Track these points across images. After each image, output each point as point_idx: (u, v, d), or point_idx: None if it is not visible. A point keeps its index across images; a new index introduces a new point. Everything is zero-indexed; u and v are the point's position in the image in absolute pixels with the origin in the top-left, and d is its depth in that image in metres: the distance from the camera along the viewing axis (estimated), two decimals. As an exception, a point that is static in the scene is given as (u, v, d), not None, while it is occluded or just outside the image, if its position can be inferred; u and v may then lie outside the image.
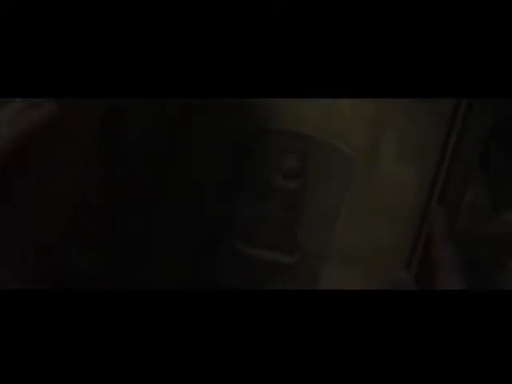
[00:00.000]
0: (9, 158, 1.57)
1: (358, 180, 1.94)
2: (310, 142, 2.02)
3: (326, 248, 1.94)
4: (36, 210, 1.72)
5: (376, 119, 1.95)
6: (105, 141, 1.92)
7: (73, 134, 1.77)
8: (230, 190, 2.10)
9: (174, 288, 1.87)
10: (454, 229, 1.84)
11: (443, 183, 1.87)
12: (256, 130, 2.08)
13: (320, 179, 1.99)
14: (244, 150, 2.09)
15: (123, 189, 2.08)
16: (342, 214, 1.94)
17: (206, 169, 2.08)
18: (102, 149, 1.93)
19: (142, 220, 2.08)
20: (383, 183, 1.92)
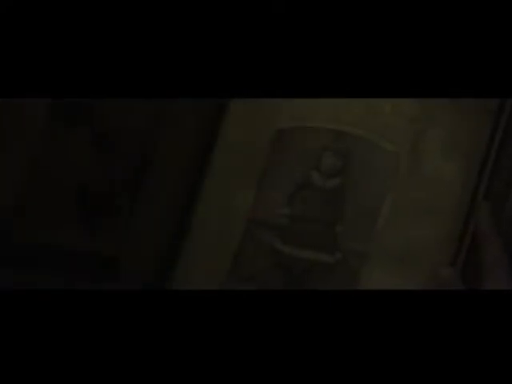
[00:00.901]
0: None
1: (401, 177, 1.90)
2: (349, 139, 1.98)
3: (367, 247, 1.90)
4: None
5: (418, 116, 1.90)
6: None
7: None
8: (268, 188, 2.08)
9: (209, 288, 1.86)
10: (500, 226, 1.77)
11: (488, 179, 1.80)
12: (293, 128, 2.06)
13: (361, 177, 1.95)
14: (282, 149, 2.07)
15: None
16: (383, 212, 1.90)
17: (243, 166, 2.07)
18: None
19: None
20: (426, 180, 1.87)
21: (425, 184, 1.87)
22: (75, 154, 2.15)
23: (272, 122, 2.07)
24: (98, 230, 2.37)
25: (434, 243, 1.86)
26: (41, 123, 2.00)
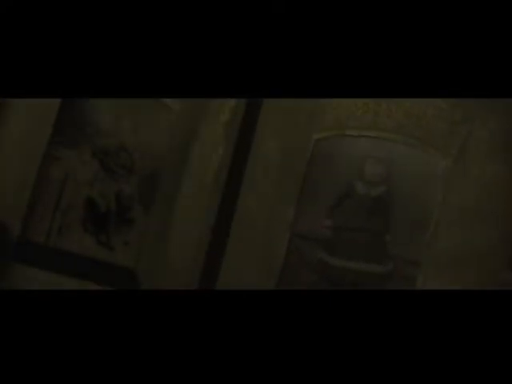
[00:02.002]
0: None
1: (449, 182, 1.88)
2: (390, 146, 1.96)
3: (419, 255, 1.87)
4: None
5: (462, 119, 1.89)
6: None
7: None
8: (308, 200, 2.04)
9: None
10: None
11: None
12: (331, 137, 2.03)
13: (406, 184, 1.93)
14: (321, 159, 2.04)
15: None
16: (433, 218, 1.88)
17: (281, 178, 2.03)
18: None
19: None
20: (475, 184, 1.86)
21: (474, 187, 1.86)
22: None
23: (308, 131, 2.03)
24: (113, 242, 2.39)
25: (487, 246, 1.84)
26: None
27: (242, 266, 2.08)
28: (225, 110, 2.35)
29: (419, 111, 1.94)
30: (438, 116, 1.93)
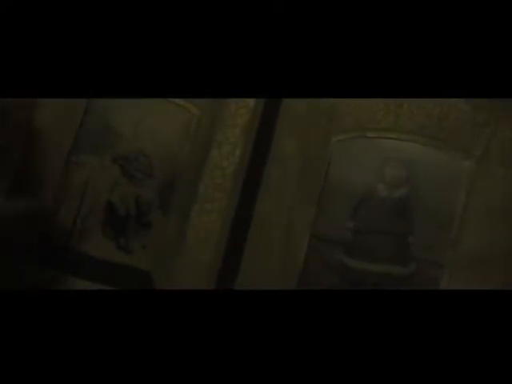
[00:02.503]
0: None
1: (472, 183, 1.87)
2: (411, 148, 1.95)
3: (443, 256, 1.86)
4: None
5: (485, 120, 1.88)
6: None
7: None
8: (329, 202, 2.04)
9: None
10: None
11: None
12: (352, 139, 2.03)
13: (429, 186, 1.92)
14: (342, 158, 2.04)
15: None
16: (456, 219, 1.87)
17: (300, 179, 2.03)
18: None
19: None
20: (501, 183, 1.85)
21: (499, 188, 1.84)
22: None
23: (328, 133, 2.03)
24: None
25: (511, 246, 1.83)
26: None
27: (261, 269, 2.07)
28: (243, 111, 2.36)
29: (441, 113, 1.93)
30: (460, 118, 1.92)
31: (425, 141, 1.95)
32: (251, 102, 2.30)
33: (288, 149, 2.15)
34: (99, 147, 2.91)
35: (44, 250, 2.74)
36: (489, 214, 1.86)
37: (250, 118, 2.27)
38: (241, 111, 2.34)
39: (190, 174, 2.57)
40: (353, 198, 2.00)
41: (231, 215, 2.19)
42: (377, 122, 2.00)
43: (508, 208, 1.86)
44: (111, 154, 2.82)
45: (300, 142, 2.12)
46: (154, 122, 2.63)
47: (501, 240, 1.85)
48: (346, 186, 2.02)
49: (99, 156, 2.83)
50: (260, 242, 2.19)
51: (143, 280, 2.57)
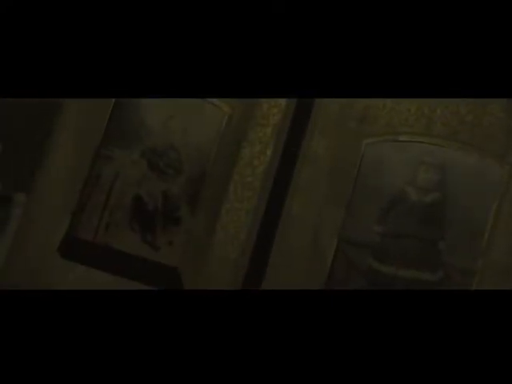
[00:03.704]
0: None
1: (507, 190, 1.85)
2: (444, 152, 1.93)
3: (473, 263, 1.84)
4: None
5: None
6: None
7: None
8: (358, 204, 2.03)
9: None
10: None
11: None
12: (383, 142, 2.02)
13: (462, 191, 1.90)
14: (373, 161, 2.02)
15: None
16: (489, 226, 1.85)
17: (330, 181, 2.02)
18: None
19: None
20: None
21: None
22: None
23: (359, 136, 2.02)
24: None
25: None
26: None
27: (288, 270, 2.07)
28: (275, 110, 2.36)
29: (474, 119, 1.91)
30: (494, 124, 1.90)
31: (458, 146, 1.93)
32: (283, 102, 2.31)
33: (319, 149, 2.14)
34: (129, 141, 2.93)
35: (70, 244, 2.77)
36: (522, 221, 1.84)
37: (281, 117, 2.27)
38: (273, 111, 2.34)
39: (220, 172, 2.58)
40: (382, 202, 1.98)
41: (260, 214, 2.19)
42: (409, 125, 1.98)
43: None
44: (141, 148, 2.84)
45: (331, 143, 2.11)
46: (185, 119, 2.64)
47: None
48: (376, 188, 2.01)
49: (129, 150, 2.85)
50: (288, 242, 2.18)
51: (170, 276, 2.58)
